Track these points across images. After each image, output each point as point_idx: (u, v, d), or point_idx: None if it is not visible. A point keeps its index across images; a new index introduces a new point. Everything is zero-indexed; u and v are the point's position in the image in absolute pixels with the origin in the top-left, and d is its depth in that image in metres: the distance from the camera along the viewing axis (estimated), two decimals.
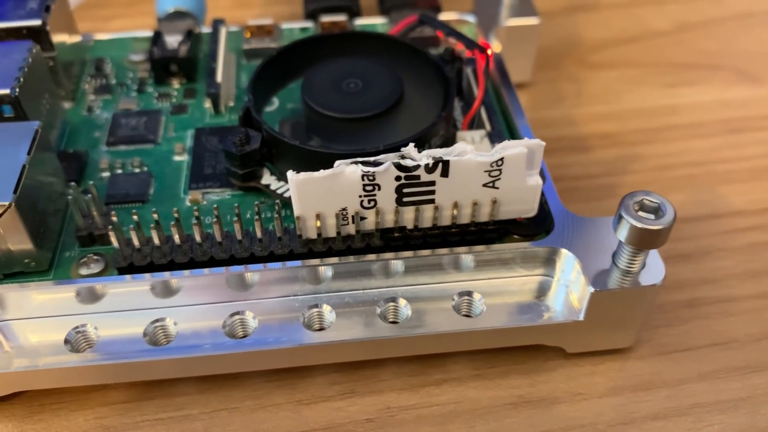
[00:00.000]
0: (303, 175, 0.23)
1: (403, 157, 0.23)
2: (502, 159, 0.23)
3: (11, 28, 0.29)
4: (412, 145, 0.23)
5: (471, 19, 0.35)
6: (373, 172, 0.23)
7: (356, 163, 0.23)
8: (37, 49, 0.28)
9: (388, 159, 0.23)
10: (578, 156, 0.34)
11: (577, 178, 0.33)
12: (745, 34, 0.41)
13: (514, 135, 0.29)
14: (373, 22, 0.35)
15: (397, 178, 0.23)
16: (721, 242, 0.30)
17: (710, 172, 0.33)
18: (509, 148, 0.23)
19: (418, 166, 0.23)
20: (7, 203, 0.23)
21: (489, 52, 0.31)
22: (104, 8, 0.43)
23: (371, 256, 0.25)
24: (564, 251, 0.25)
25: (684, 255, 0.30)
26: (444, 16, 0.35)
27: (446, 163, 0.23)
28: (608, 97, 0.37)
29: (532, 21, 0.35)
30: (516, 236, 0.25)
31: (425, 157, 0.23)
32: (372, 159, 0.23)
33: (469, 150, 0.23)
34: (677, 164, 0.33)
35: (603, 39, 0.41)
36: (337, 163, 0.23)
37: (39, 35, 0.29)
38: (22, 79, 0.26)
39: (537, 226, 0.25)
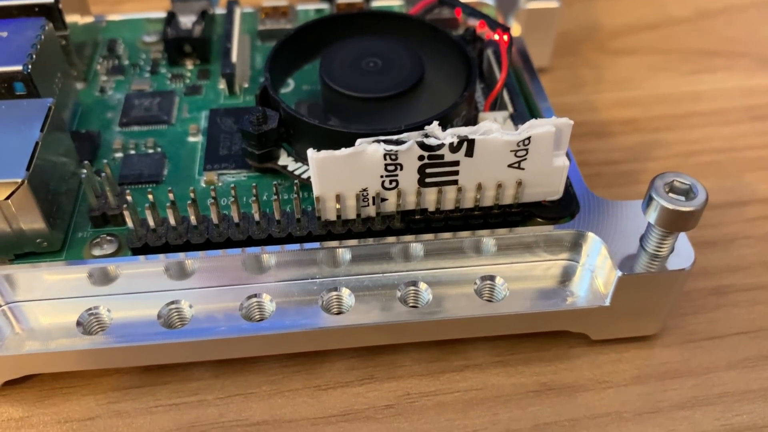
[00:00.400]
0: (324, 153, 0.22)
1: (426, 135, 0.22)
2: (529, 138, 0.22)
3: (23, 5, 0.28)
4: (436, 123, 0.22)
5: (490, 1, 0.34)
6: (396, 151, 0.22)
7: (378, 141, 0.22)
8: (50, 26, 0.28)
9: (412, 138, 0.22)
10: (600, 142, 0.33)
11: (600, 164, 0.32)
12: (766, 21, 0.41)
13: (536, 117, 0.29)
14: (389, 3, 0.34)
15: (420, 158, 0.22)
16: (747, 230, 0.29)
17: (735, 159, 0.32)
18: (536, 127, 0.22)
19: (442, 145, 0.22)
20: (19, 180, 0.22)
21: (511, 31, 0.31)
22: None
23: (391, 239, 0.24)
24: (590, 235, 0.24)
25: (709, 242, 0.29)
26: None
27: (471, 142, 0.22)
28: (629, 83, 0.36)
29: (552, 4, 0.34)
30: (540, 219, 0.25)
31: (450, 136, 0.22)
32: (395, 138, 0.22)
33: (495, 129, 0.22)
34: (701, 151, 0.33)
35: (622, 25, 0.40)
36: (358, 141, 0.22)
37: (51, 13, 0.29)
38: (34, 56, 0.26)
39: (562, 209, 0.25)
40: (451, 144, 0.22)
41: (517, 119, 0.27)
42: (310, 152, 0.22)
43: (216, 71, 0.31)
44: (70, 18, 0.30)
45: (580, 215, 0.24)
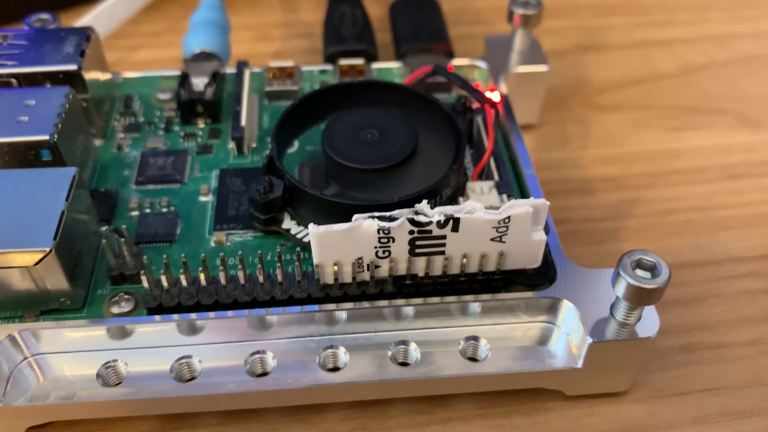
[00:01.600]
0: (323, 228, 0.24)
1: (416, 213, 0.25)
2: (509, 217, 0.24)
3: (48, 72, 0.31)
4: (425, 202, 0.25)
5: (482, 64, 0.37)
6: (389, 227, 0.24)
7: (373, 217, 0.24)
8: (74, 94, 0.30)
9: (403, 214, 0.24)
10: (582, 199, 0.35)
11: (581, 221, 0.34)
12: (748, 77, 0.43)
13: (520, 183, 0.31)
14: (389, 66, 0.37)
15: (411, 232, 0.25)
16: (718, 288, 0.32)
17: (709, 218, 0.34)
18: (516, 207, 0.24)
19: (430, 223, 0.24)
20: (47, 249, 0.24)
21: (498, 98, 0.33)
22: (130, 38, 0.45)
23: (384, 302, 0.26)
24: (565, 302, 0.26)
25: (681, 300, 0.31)
26: (456, 62, 0.37)
27: (457, 220, 0.24)
28: (614, 139, 0.39)
29: (541, 68, 0.36)
30: (520, 286, 0.27)
31: (437, 214, 0.24)
32: (387, 214, 0.24)
33: (479, 208, 0.25)
34: (678, 209, 0.35)
35: (610, 80, 0.43)
36: (355, 217, 0.24)
37: (74, 79, 0.31)
38: (60, 125, 0.28)
39: (541, 276, 0.27)
40: (439, 221, 0.24)
41: (503, 187, 0.29)
42: (311, 227, 0.24)
43: (226, 130, 0.34)
44: (90, 76, 0.32)
45: (557, 282, 0.27)
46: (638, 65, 0.44)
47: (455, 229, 0.25)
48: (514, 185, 0.30)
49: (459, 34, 0.43)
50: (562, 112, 0.40)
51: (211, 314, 0.26)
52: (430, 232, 0.25)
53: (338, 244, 0.25)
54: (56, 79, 0.31)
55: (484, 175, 0.30)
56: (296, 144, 0.33)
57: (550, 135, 0.39)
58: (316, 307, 0.26)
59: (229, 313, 0.26)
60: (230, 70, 0.36)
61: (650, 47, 0.45)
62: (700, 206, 0.35)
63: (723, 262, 0.33)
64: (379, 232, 0.24)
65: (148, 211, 0.30)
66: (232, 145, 0.33)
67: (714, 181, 0.36)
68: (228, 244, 0.29)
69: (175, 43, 0.43)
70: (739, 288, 0.32)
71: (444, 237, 0.25)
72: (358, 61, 0.36)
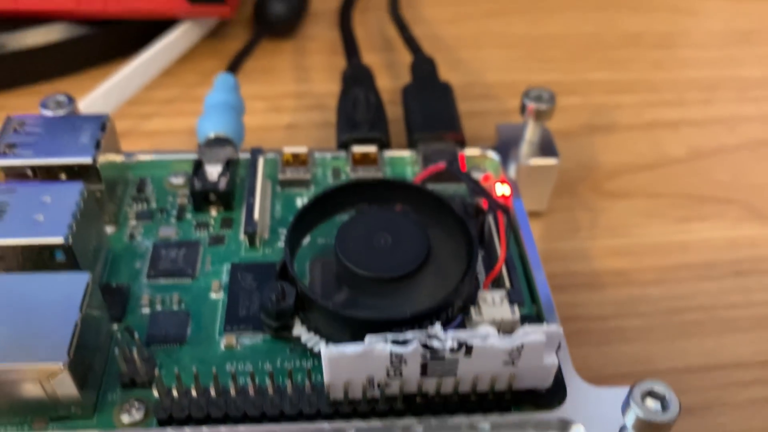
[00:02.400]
0: (335, 350, 0.24)
1: (429, 336, 0.25)
2: (522, 344, 0.25)
3: (63, 166, 0.31)
4: (438, 325, 0.25)
5: (494, 155, 0.37)
6: (401, 353, 0.24)
7: (386, 341, 0.25)
8: (89, 189, 0.30)
9: (416, 338, 0.25)
10: (592, 294, 0.35)
11: (589, 319, 0.34)
12: (756, 163, 0.43)
13: (530, 285, 0.31)
14: (401, 154, 0.37)
15: (423, 356, 0.25)
16: (724, 396, 0.32)
17: (717, 318, 0.35)
18: (529, 335, 0.25)
19: (443, 349, 0.24)
20: (61, 364, 0.24)
21: (509, 192, 0.33)
22: (143, 105, 0.45)
23: (393, 420, 0.26)
24: (575, 424, 0.26)
25: (687, 409, 0.31)
26: (468, 152, 0.37)
27: (470, 347, 0.24)
28: (623, 229, 0.39)
29: (551, 162, 0.36)
30: (530, 405, 0.27)
31: (450, 339, 0.25)
32: (401, 338, 0.25)
33: (492, 333, 0.25)
34: (686, 308, 0.35)
35: (620, 164, 0.43)
36: (367, 339, 0.25)
37: (88, 171, 0.31)
38: (74, 227, 0.28)
39: (551, 396, 0.27)
40: (452, 348, 0.24)
41: (514, 296, 0.29)
42: (323, 349, 0.24)
43: (238, 219, 0.34)
44: (104, 160, 0.32)
45: (567, 402, 0.27)
46: (648, 148, 0.44)
47: (468, 353, 0.25)
48: (525, 293, 0.30)
49: (469, 110, 0.43)
50: (570, 198, 0.40)
51: (223, 429, 0.26)
52: (443, 357, 0.25)
53: (350, 365, 0.25)
54: (71, 171, 0.31)
55: (496, 282, 0.30)
56: (308, 237, 0.33)
57: (558, 224, 0.39)
58: (326, 424, 0.26)
59: (241, 428, 0.26)
60: (243, 154, 0.36)
61: (660, 128, 0.45)
62: (708, 305, 0.35)
63: (730, 367, 0.33)
64: (391, 356, 0.25)
65: (159, 308, 0.30)
66: (243, 236, 0.33)
67: (722, 277, 0.37)
68: (238, 347, 0.29)
69: (188, 112, 0.44)
70: (746, 397, 0.32)
71: (456, 360, 0.25)
72: (371, 149, 0.36)
